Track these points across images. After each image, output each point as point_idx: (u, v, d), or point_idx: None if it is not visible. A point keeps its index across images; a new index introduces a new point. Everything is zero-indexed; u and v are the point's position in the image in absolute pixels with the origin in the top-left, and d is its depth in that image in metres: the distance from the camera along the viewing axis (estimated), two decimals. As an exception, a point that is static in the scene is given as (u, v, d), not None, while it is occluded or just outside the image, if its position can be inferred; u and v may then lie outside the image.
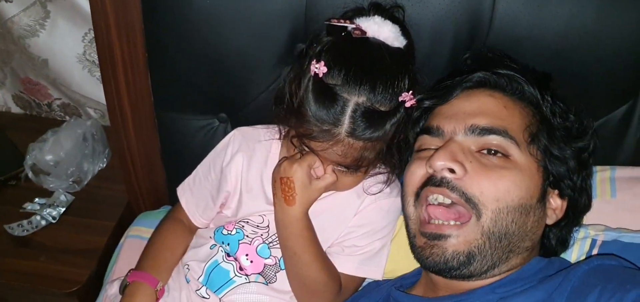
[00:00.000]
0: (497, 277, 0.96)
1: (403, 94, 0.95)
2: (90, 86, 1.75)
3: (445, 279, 0.99)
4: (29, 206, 1.55)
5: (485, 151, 0.96)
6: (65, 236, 1.51)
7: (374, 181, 1.10)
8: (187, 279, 1.14)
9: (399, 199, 1.11)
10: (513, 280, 0.95)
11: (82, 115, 1.86)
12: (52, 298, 1.44)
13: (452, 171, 0.94)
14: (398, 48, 0.98)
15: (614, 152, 1.25)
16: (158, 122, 1.36)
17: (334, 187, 1.04)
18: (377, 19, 0.98)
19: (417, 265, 1.06)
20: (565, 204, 1.02)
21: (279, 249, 1.09)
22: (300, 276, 1.07)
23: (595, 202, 1.09)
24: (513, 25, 1.11)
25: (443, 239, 0.94)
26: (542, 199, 0.97)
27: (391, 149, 1.01)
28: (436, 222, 0.95)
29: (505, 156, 0.95)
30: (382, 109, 0.93)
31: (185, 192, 1.23)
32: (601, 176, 1.18)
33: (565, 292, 0.86)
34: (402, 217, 1.12)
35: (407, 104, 0.96)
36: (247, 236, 1.12)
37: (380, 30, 0.97)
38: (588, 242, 1.10)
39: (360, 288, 1.17)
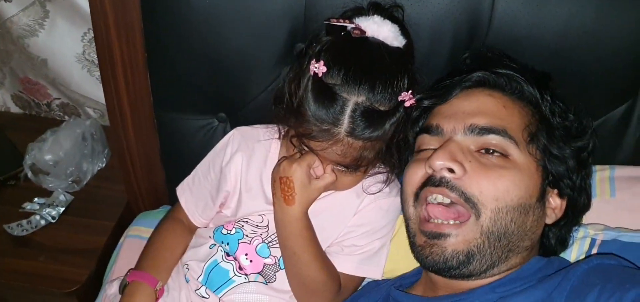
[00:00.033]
0: (497, 277, 0.96)
1: (402, 94, 0.95)
2: (89, 86, 1.75)
3: (445, 279, 0.99)
4: (28, 206, 1.55)
5: (484, 151, 0.96)
6: (65, 235, 1.51)
7: (374, 181, 1.10)
8: (187, 279, 1.14)
9: (398, 199, 1.11)
10: (512, 279, 0.95)
11: (82, 115, 1.86)
12: (51, 298, 1.44)
13: (451, 170, 0.94)
14: (397, 48, 0.98)
15: (613, 152, 1.25)
16: (157, 122, 1.36)
17: (333, 186, 1.04)
18: (377, 18, 0.98)
19: (417, 265, 1.06)
20: (564, 203, 1.02)
21: (279, 249, 1.09)
22: (299, 275, 1.07)
23: (594, 202, 1.09)
24: (512, 24, 1.11)
25: (442, 238, 0.94)
26: (542, 198, 0.97)
27: (390, 148, 1.01)
28: (436, 221, 0.96)
29: (505, 155, 0.95)
30: (382, 108, 0.94)
31: (185, 191, 1.23)
32: (600, 175, 1.18)
33: (564, 292, 0.86)
34: (401, 217, 1.12)
35: (407, 104, 0.96)
36: (247, 236, 1.12)
37: (380, 29, 0.97)
38: (587, 241, 1.10)
39: (359, 288, 1.17)
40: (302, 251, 1.04)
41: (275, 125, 1.10)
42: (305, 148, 0.99)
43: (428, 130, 1.03)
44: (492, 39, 1.12)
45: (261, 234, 1.12)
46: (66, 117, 1.87)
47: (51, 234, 1.51)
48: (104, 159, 1.71)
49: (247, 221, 1.13)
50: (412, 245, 1.02)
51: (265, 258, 1.11)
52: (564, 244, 1.08)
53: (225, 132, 1.26)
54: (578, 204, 1.04)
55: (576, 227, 1.10)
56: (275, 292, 1.11)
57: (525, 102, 1.01)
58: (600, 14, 1.10)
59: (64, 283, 1.41)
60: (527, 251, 0.98)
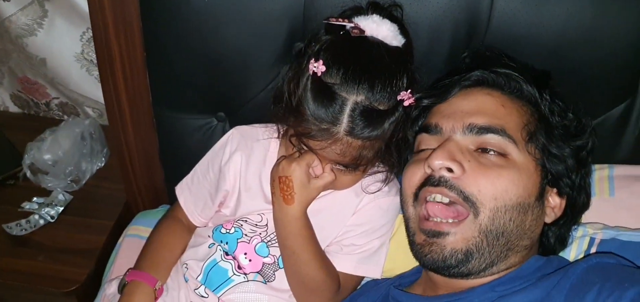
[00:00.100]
0: (496, 276, 0.96)
1: (401, 93, 0.95)
2: (88, 85, 1.75)
3: (445, 278, 1.00)
4: (27, 205, 1.55)
5: (483, 150, 0.96)
6: (64, 235, 1.51)
7: (373, 180, 1.10)
8: (186, 278, 1.14)
9: (397, 198, 1.11)
10: (512, 278, 0.95)
11: (80, 115, 1.86)
12: (50, 298, 1.43)
13: (450, 170, 0.94)
14: (396, 47, 0.98)
15: (612, 151, 1.25)
16: (156, 121, 1.36)
17: (332, 186, 1.05)
18: (376, 17, 0.98)
19: (416, 264, 1.06)
20: (564, 202, 1.02)
21: (278, 248, 1.09)
22: (298, 274, 1.07)
23: (593, 201, 1.09)
24: (511, 23, 1.11)
25: (441, 237, 0.94)
26: (541, 197, 0.97)
27: (390, 147, 1.01)
28: (435, 219, 0.96)
29: (503, 154, 0.95)
30: (381, 107, 0.94)
31: (184, 191, 1.23)
32: (599, 174, 1.18)
33: (563, 290, 0.86)
34: (400, 216, 1.13)
35: (406, 103, 0.96)
36: (246, 235, 1.12)
37: (379, 29, 0.97)
38: (586, 240, 1.10)
39: (358, 287, 1.17)
40: (301, 250, 1.04)
41: (274, 124, 1.10)
42: (305, 147, 0.99)
43: (427, 129, 1.03)
44: (491, 38, 1.12)
45: (260, 234, 1.12)
46: (65, 117, 1.87)
47: (50, 234, 1.51)
48: (103, 159, 1.71)
49: (246, 220, 1.13)
50: (412, 244, 1.02)
51: (265, 257, 1.11)
52: (563, 243, 1.09)
53: (224, 132, 1.25)
54: (577, 203, 1.05)
55: (575, 226, 1.10)
56: (275, 292, 1.11)
57: (524, 101, 1.01)
58: (598, 13, 1.10)
59: (63, 283, 1.41)
60: (526, 250, 0.98)
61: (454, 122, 0.99)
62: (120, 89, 1.30)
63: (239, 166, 1.15)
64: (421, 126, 1.06)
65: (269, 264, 1.11)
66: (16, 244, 1.49)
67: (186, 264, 1.16)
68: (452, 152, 0.95)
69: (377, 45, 0.96)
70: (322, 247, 1.09)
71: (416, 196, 1.00)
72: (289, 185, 1.00)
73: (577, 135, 1.03)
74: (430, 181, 0.97)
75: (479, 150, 0.96)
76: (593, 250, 1.08)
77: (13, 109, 1.93)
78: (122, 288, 1.14)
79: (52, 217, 1.53)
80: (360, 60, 0.94)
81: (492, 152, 0.96)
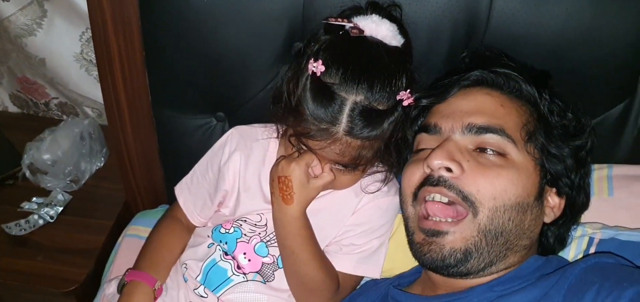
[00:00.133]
0: (495, 275, 0.96)
1: (401, 93, 0.95)
2: (87, 85, 1.75)
3: (444, 278, 1.00)
4: (26, 205, 1.55)
5: (482, 150, 0.96)
6: (63, 235, 1.51)
7: (372, 180, 1.10)
8: (185, 278, 1.14)
9: (396, 198, 1.11)
10: (511, 278, 0.95)
11: (80, 114, 1.86)
12: (50, 298, 1.43)
13: (449, 169, 0.94)
14: (395, 47, 0.98)
15: (611, 151, 1.25)
16: (156, 121, 1.36)
17: (331, 185, 1.05)
18: (375, 17, 0.98)
19: (415, 263, 1.06)
20: (563, 202, 1.02)
21: (277, 248, 1.09)
22: (298, 274, 1.07)
23: (592, 201, 1.09)
24: (510, 23, 1.11)
25: (441, 236, 0.95)
26: (540, 197, 0.98)
27: (389, 147, 1.01)
28: (434, 218, 0.96)
29: (502, 154, 0.95)
30: (380, 107, 0.94)
31: (183, 191, 1.23)
32: (598, 174, 1.19)
33: (562, 290, 0.87)
34: (400, 216, 1.13)
35: (405, 103, 0.96)
36: (245, 235, 1.12)
37: (378, 29, 0.97)
38: (585, 240, 1.10)
39: (358, 287, 1.17)
40: (300, 250, 1.04)
41: (273, 124, 1.10)
42: (304, 147, 0.99)
43: (426, 129, 1.03)
44: (490, 38, 1.12)
45: (259, 233, 1.12)
46: (64, 117, 1.86)
47: (49, 234, 1.51)
48: (102, 159, 1.71)
49: (245, 220, 1.13)
50: (411, 243, 1.02)
51: (264, 257, 1.11)
52: (562, 242, 1.09)
53: (223, 131, 1.26)
54: (577, 202, 1.05)
55: (574, 226, 1.10)
56: (274, 291, 1.11)
57: (523, 100, 1.01)
58: (597, 13, 1.10)
59: (62, 283, 1.41)
60: (525, 250, 0.98)
61: (453, 122, 0.99)
62: (119, 89, 1.30)
63: (238, 166, 1.15)
64: (420, 126, 1.06)
65: (268, 264, 1.11)
66: (15, 244, 1.49)
67: (185, 264, 1.16)
68: (451, 152, 0.95)
69: (376, 45, 0.96)
70: (322, 247, 1.09)
71: (415, 195, 1.00)
72: (288, 185, 1.00)
73: (576, 135, 1.03)
74: (429, 181, 0.97)
75: (478, 150, 0.96)
76: (592, 250, 1.08)
77: (12, 109, 1.93)
78: (121, 288, 1.14)
79: (51, 217, 1.53)
80: (360, 60, 0.94)
81: (491, 152, 0.96)
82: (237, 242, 1.12)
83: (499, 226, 0.93)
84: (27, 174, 1.60)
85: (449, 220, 0.94)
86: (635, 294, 0.80)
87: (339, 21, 0.97)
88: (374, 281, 1.15)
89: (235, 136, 1.18)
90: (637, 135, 1.23)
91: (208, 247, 1.15)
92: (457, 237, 0.94)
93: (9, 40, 1.68)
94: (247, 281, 1.10)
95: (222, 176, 1.15)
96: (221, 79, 1.23)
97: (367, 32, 0.97)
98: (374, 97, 0.93)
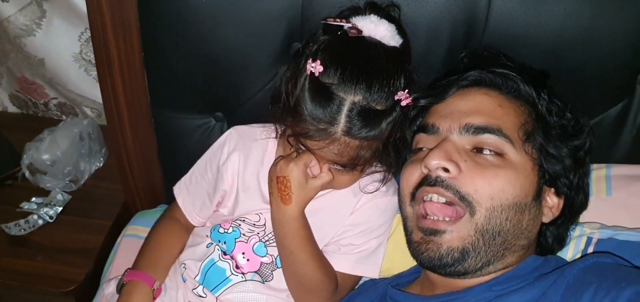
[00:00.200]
0: (493, 275, 0.97)
1: (399, 93, 0.95)
2: (86, 85, 1.75)
3: (443, 277, 1.00)
4: (26, 206, 1.55)
5: (480, 150, 0.96)
6: (62, 235, 1.51)
7: (371, 180, 1.10)
8: (184, 278, 1.14)
9: (395, 198, 1.11)
10: (509, 278, 0.95)
11: (79, 115, 1.86)
12: (49, 297, 1.43)
13: (446, 170, 0.94)
14: (394, 47, 0.98)
15: (609, 151, 1.25)
16: (154, 121, 1.36)
17: (330, 185, 1.05)
18: (373, 17, 0.98)
19: (414, 263, 1.06)
20: (561, 202, 1.02)
21: (276, 248, 1.09)
22: (296, 274, 1.07)
23: (591, 200, 1.09)
24: (509, 23, 1.11)
25: (438, 235, 0.95)
26: (538, 197, 0.98)
27: (387, 147, 1.01)
28: (433, 217, 0.96)
29: (500, 154, 0.96)
30: (378, 107, 0.94)
31: (182, 191, 1.23)
32: (597, 174, 1.19)
33: (560, 290, 0.87)
34: (398, 216, 1.13)
35: (403, 103, 0.96)
36: (244, 235, 1.12)
37: (376, 29, 0.97)
38: (584, 240, 1.10)
39: (356, 286, 1.18)
40: (299, 250, 1.04)
41: (272, 124, 1.10)
42: (302, 147, 0.99)
43: (424, 129, 1.03)
44: (489, 38, 1.13)
45: (258, 233, 1.12)
46: (63, 117, 1.87)
47: (49, 234, 1.51)
48: (102, 159, 1.71)
49: (244, 220, 1.13)
50: (409, 242, 1.02)
51: (263, 257, 1.11)
52: (561, 242, 1.09)
53: (222, 132, 1.26)
54: (575, 202, 1.05)
55: (573, 226, 1.10)
56: (273, 291, 1.11)
57: (521, 101, 1.01)
58: (596, 13, 1.10)
59: (61, 282, 1.41)
60: (523, 250, 0.98)
61: (450, 122, 0.99)
62: (118, 90, 1.30)
63: (237, 166, 1.15)
64: (419, 126, 1.06)
65: (267, 264, 1.11)
66: (15, 244, 1.49)
67: (184, 263, 1.16)
68: (448, 152, 0.95)
69: (374, 45, 0.96)
70: (320, 247, 1.09)
71: (413, 195, 1.00)
72: (286, 185, 1.00)
73: (575, 135, 1.03)
74: (427, 181, 0.97)
75: (476, 150, 0.96)
76: (590, 249, 1.09)
77: (12, 109, 1.93)
78: (120, 288, 1.14)
79: (50, 217, 1.53)
80: (358, 60, 0.94)
81: (488, 152, 0.96)
82: (235, 242, 1.12)
83: (496, 226, 0.93)
84: (27, 174, 1.61)
85: (447, 219, 0.95)
86: (633, 294, 0.80)
87: (337, 21, 0.97)
88: (372, 281, 1.15)
89: (234, 136, 1.18)
90: (636, 135, 1.23)
91: (207, 247, 1.15)
92: (454, 236, 0.94)
93: (8, 41, 1.68)
94: (246, 280, 1.10)
95: (221, 176, 1.15)
96: (220, 79, 1.24)
97: (366, 33, 0.97)
98: (373, 97, 0.93)
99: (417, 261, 1.01)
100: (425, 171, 0.97)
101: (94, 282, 1.42)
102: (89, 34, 1.33)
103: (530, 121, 0.99)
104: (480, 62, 1.06)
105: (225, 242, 1.13)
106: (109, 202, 1.60)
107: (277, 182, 1.02)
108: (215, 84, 1.25)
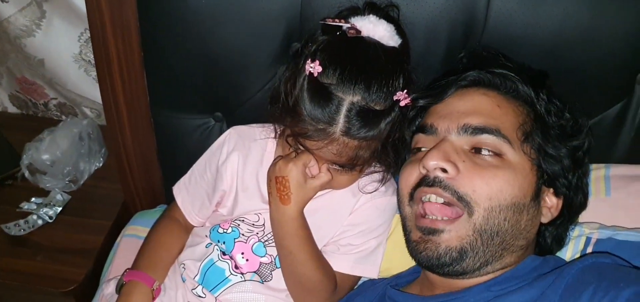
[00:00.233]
0: (491, 275, 0.97)
1: (398, 93, 0.95)
2: (86, 86, 1.75)
3: (442, 278, 1.00)
4: (25, 206, 1.55)
5: (478, 150, 0.96)
6: (62, 235, 1.51)
7: (369, 180, 1.10)
8: (183, 278, 1.14)
9: (394, 198, 1.11)
10: (508, 278, 0.95)
11: (79, 115, 1.86)
12: (48, 297, 1.44)
13: (444, 170, 0.94)
14: (393, 47, 0.98)
15: (608, 151, 1.25)
16: (154, 121, 1.36)
17: (329, 185, 1.05)
18: (372, 18, 0.98)
19: (413, 263, 1.06)
20: (560, 202, 1.02)
21: (275, 248, 1.09)
22: (295, 274, 1.07)
23: (589, 201, 1.09)
24: (508, 24, 1.11)
25: (437, 234, 0.95)
26: (536, 197, 0.98)
27: (386, 147, 1.01)
28: (431, 217, 0.96)
29: (499, 154, 0.96)
30: (377, 108, 0.94)
31: (181, 191, 1.23)
32: (596, 174, 1.19)
33: (559, 290, 0.87)
34: (397, 216, 1.13)
35: (402, 103, 0.96)
36: (243, 235, 1.12)
37: (375, 29, 0.97)
38: (582, 240, 1.10)
39: (355, 287, 1.18)
40: (298, 250, 1.04)
41: (271, 124, 1.10)
42: (301, 147, 0.99)
43: (423, 129, 1.03)
44: (488, 38, 1.13)
45: (257, 233, 1.12)
46: (63, 117, 1.87)
47: (48, 234, 1.51)
48: (101, 159, 1.71)
49: (243, 220, 1.13)
50: (408, 241, 1.02)
51: (262, 257, 1.11)
52: (560, 242, 1.09)
53: (221, 132, 1.26)
54: (574, 202, 1.05)
55: (572, 226, 1.10)
56: (272, 291, 1.11)
57: (520, 101, 1.01)
58: (595, 13, 1.10)
59: (61, 283, 1.41)
60: (522, 250, 0.98)
61: (449, 123, 0.99)
62: (118, 90, 1.30)
63: (236, 166, 1.15)
64: (418, 126, 1.06)
65: (266, 264, 1.11)
66: (15, 244, 1.49)
67: (183, 264, 1.16)
68: (446, 153, 0.95)
69: (373, 45, 0.96)
70: (319, 247, 1.09)
71: (412, 196, 1.00)
72: (285, 185, 1.00)
73: (574, 136, 1.02)
74: (425, 181, 0.97)
75: (474, 150, 0.97)
76: (589, 250, 1.09)
77: (12, 109, 1.93)
78: (119, 288, 1.15)
79: (50, 218, 1.53)
80: (357, 60, 0.94)
81: (487, 153, 0.96)
82: (235, 242, 1.12)
83: (494, 226, 0.93)
84: (26, 174, 1.61)
85: (446, 218, 0.95)
86: (632, 295, 0.80)
87: (336, 22, 0.97)
88: (371, 281, 1.15)
89: (234, 136, 1.18)
90: (635, 135, 1.23)
91: (206, 247, 1.15)
92: (452, 235, 0.94)
93: (8, 41, 1.68)
94: (245, 280, 1.10)
95: (220, 176, 1.16)
96: (219, 79, 1.24)
97: (365, 33, 0.97)
98: (371, 97, 0.93)
99: (415, 260, 1.01)
100: (424, 172, 0.97)
101: (93, 282, 1.42)
102: (89, 35, 1.33)
103: (528, 121, 0.99)
104: (479, 63, 1.06)
105: (224, 242, 1.13)
106: (108, 202, 1.60)
107: (276, 182, 1.02)
108: (214, 84, 1.25)
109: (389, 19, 1.01)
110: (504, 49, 1.10)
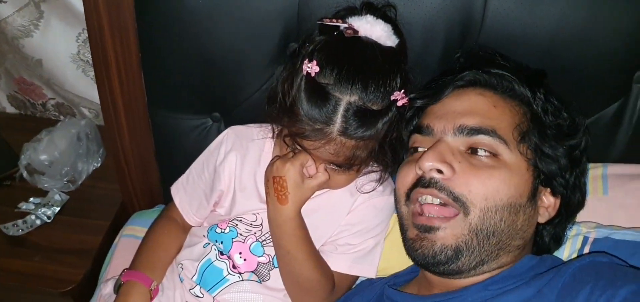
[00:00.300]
0: (488, 275, 0.97)
1: (395, 93, 0.95)
2: (84, 86, 1.75)
3: (439, 277, 1.00)
4: (23, 206, 1.55)
5: (474, 151, 0.96)
6: (60, 235, 1.51)
7: (367, 180, 1.10)
8: (181, 278, 1.15)
9: (392, 197, 1.11)
10: (505, 277, 0.95)
11: (77, 115, 1.86)
12: (47, 298, 1.44)
13: (440, 171, 0.94)
14: (390, 47, 0.98)
15: (606, 150, 1.25)
16: (152, 121, 1.36)
17: (326, 185, 1.05)
18: (369, 18, 0.98)
19: (410, 263, 1.06)
20: (558, 201, 1.02)
21: (273, 247, 1.09)
22: (293, 274, 1.08)
23: (587, 200, 1.09)
24: (505, 23, 1.11)
25: (432, 232, 0.95)
26: (533, 197, 0.98)
27: (384, 147, 1.01)
28: (428, 215, 0.96)
29: (495, 155, 0.96)
30: (374, 107, 0.94)
31: (179, 191, 1.24)
32: (593, 173, 1.19)
33: (555, 289, 0.87)
34: (395, 215, 1.13)
35: (399, 103, 0.96)
36: (241, 235, 1.12)
37: (373, 29, 0.97)
38: (580, 239, 1.10)
39: (353, 286, 1.18)
40: (295, 249, 1.04)
41: (268, 124, 1.11)
42: (299, 147, 0.99)
43: (419, 130, 1.03)
44: (485, 38, 1.13)
45: (255, 233, 1.12)
46: (61, 117, 1.87)
47: (46, 234, 1.51)
48: (99, 159, 1.71)
49: (241, 220, 1.13)
50: (405, 240, 1.02)
51: (259, 257, 1.11)
52: (558, 242, 1.09)
53: (219, 132, 1.26)
54: (572, 202, 1.05)
55: (570, 225, 1.10)
56: (270, 291, 1.11)
57: (517, 101, 1.01)
58: (592, 12, 1.10)
59: (59, 283, 1.41)
60: (518, 250, 0.98)
61: (445, 123, 0.99)
62: (116, 91, 1.30)
63: (234, 166, 1.15)
64: (415, 126, 1.06)
65: (263, 264, 1.11)
66: (13, 244, 1.49)
67: (181, 264, 1.16)
68: (442, 154, 0.95)
69: (370, 45, 0.96)
70: (317, 247, 1.10)
71: (408, 196, 1.00)
72: (282, 185, 1.00)
73: (571, 135, 1.02)
74: (421, 182, 0.97)
75: (470, 151, 0.97)
76: (586, 249, 1.09)
77: (10, 109, 1.93)
78: (117, 288, 1.15)
79: (48, 218, 1.53)
80: (354, 60, 0.94)
81: (483, 153, 0.96)
82: (232, 242, 1.12)
83: (490, 226, 0.93)
84: (25, 174, 1.61)
85: (442, 217, 0.95)
86: (629, 293, 0.80)
87: (333, 22, 0.97)
88: (369, 281, 1.15)
89: (231, 136, 1.19)
90: (632, 134, 1.23)
91: (204, 247, 1.15)
92: (448, 233, 0.94)
93: (5, 42, 1.68)
94: (243, 280, 1.10)
95: (218, 176, 1.16)
96: (217, 79, 1.24)
97: (362, 33, 0.97)
98: (368, 97, 0.93)
99: (412, 258, 1.01)
100: (419, 172, 0.97)
101: (91, 282, 1.42)
102: (87, 35, 1.33)
103: (525, 121, 0.98)
104: (476, 62, 1.06)
105: (222, 242, 1.13)
106: (106, 203, 1.60)
107: (273, 182, 1.02)
108: (212, 84, 1.25)
109: (386, 19, 1.01)
110: (501, 49, 1.10)
